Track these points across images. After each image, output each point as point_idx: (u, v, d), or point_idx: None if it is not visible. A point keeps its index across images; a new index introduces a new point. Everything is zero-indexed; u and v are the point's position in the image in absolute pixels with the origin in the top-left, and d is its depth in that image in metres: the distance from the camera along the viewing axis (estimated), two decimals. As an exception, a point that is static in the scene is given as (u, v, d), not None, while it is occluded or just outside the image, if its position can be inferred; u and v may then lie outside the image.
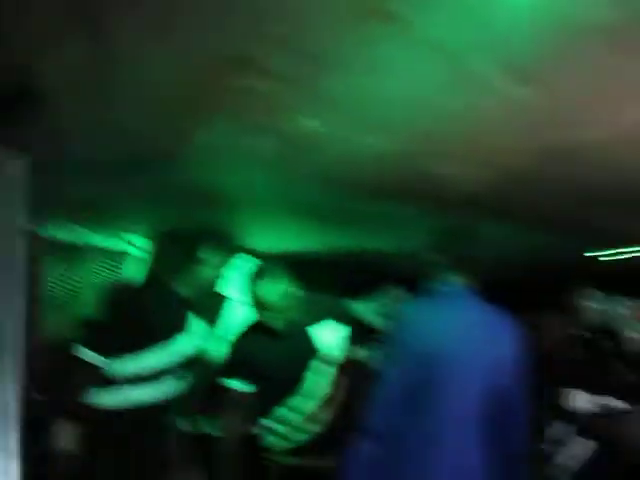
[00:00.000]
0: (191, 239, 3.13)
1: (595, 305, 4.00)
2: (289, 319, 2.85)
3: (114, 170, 3.44)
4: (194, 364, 2.99)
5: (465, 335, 2.25)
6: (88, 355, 2.66)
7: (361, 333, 4.91)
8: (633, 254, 4.26)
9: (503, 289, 5.47)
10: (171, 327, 2.86)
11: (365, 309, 5.67)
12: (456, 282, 2.36)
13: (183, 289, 2.94)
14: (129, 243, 5.23)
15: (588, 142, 2.57)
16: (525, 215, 3.65)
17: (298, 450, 2.95)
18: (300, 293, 3.05)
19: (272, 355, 2.88)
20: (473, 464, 2.20)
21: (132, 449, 2.73)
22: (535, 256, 4.58)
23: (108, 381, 2.71)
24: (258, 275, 2.88)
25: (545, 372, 3.36)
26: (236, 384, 2.94)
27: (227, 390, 2.95)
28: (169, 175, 3.35)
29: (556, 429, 3.15)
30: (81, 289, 5.10)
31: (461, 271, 2.38)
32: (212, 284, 3.06)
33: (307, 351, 2.95)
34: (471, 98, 2.21)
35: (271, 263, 3.04)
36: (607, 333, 3.95)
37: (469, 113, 2.33)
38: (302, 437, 2.96)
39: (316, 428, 2.93)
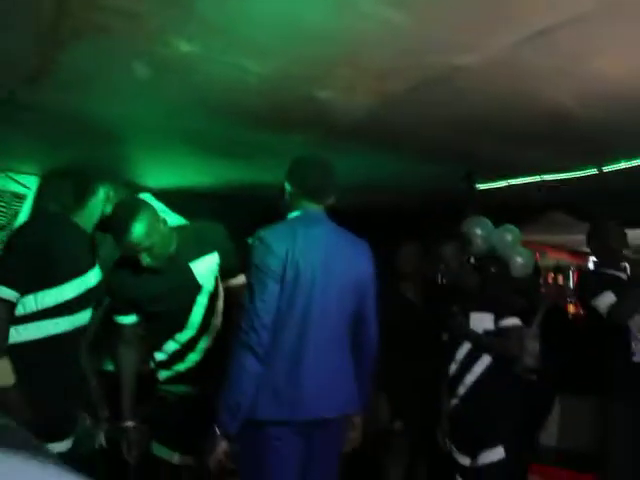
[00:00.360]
0: (82, 175, 3.11)
1: (481, 232, 4.17)
2: (162, 255, 2.79)
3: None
4: (96, 300, 3.01)
5: (326, 251, 2.44)
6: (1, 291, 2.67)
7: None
8: (511, 182, 4.45)
9: (398, 218, 5.62)
10: (83, 263, 2.89)
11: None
12: (313, 209, 2.51)
13: (85, 225, 2.93)
14: (19, 183, 5.04)
15: (461, 67, 2.63)
16: (408, 144, 3.74)
17: (188, 379, 2.99)
18: (179, 228, 3.00)
19: (151, 290, 2.85)
20: (339, 366, 2.47)
21: (48, 380, 2.76)
22: (424, 186, 4.70)
23: (23, 316, 2.73)
24: (120, 214, 2.77)
25: (449, 297, 3.51)
26: (124, 319, 2.93)
27: (118, 326, 2.93)
28: (43, 105, 3.25)
29: (463, 351, 3.33)
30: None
31: (316, 200, 2.51)
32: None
33: (192, 286, 2.92)
34: (344, 20, 2.22)
35: (135, 200, 2.97)
36: (493, 259, 4.13)
37: (344, 35, 2.34)
38: (193, 367, 2.99)
39: (201, 357, 2.98)
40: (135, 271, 2.79)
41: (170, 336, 2.90)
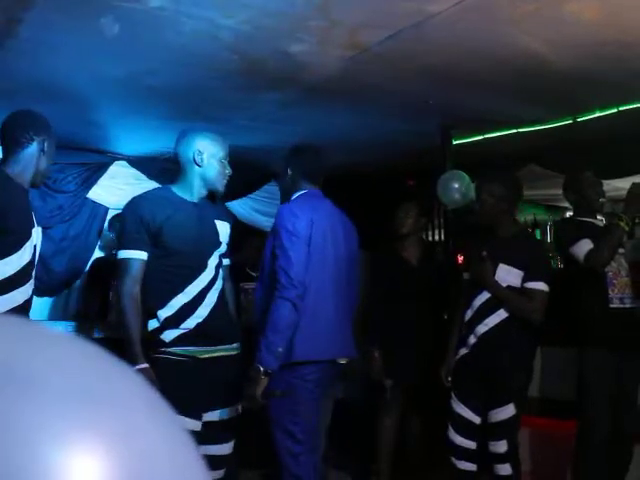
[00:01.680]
0: (15, 125, 2.71)
1: (458, 185, 4.19)
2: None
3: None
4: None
5: (332, 222, 3.02)
6: None
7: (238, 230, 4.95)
8: (487, 136, 4.45)
9: (375, 177, 5.62)
10: (30, 222, 2.69)
11: (241, 206, 5.70)
12: (313, 189, 3.03)
13: (20, 179, 2.67)
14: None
15: (434, 14, 2.61)
16: (383, 98, 3.72)
17: (198, 338, 2.96)
18: None
19: (183, 226, 2.81)
20: (347, 318, 3.07)
21: None
22: (402, 143, 4.68)
23: None
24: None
25: (480, 239, 3.38)
26: (139, 254, 2.73)
27: (128, 262, 2.72)
28: (10, 71, 3.19)
29: (481, 299, 3.21)
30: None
31: (315, 182, 3.04)
32: (43, 168, 2.76)
33: (214, 238, 2.92)
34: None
35: None
36: (472, 211, 4.12)
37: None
38: (201, 323, 2.96)
39: (209, 313, 2.95)
40: (172, 206, 2.80)
41: (182, 285, 2.83)
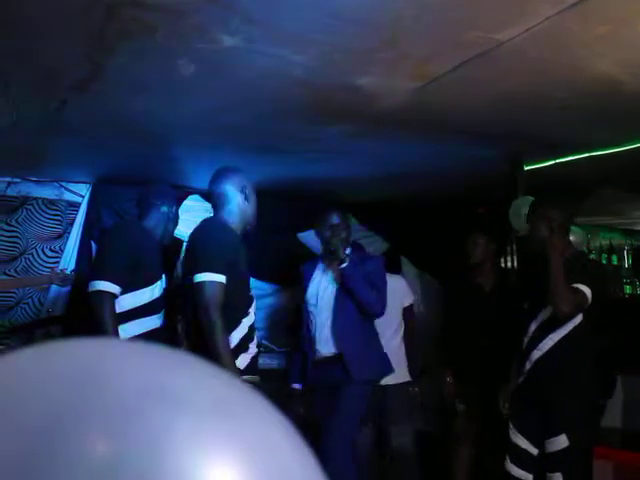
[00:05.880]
0: (146, 191, 3.47)
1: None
2: None
3: (36, 113, 3.41)
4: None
5: None
6: (109, 287, 2.92)
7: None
8: (558, 160, 4.37)
9: (447, 205, 5.59)
10: (160, 267, 3.25)
11: (311, 236, 5.72)
12: None
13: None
14: (73, 192, 5.16)
15: (504, 42, 2.61)
16: (452, 126, 3.71)
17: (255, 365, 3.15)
18: None
19: (243, 254, 3.22)
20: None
21: None
22: (470, 169, 4.65)
23: (124, 314, 3.00)
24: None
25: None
26: (222, 278, 2.99)
27: (215, 286, 2.95)
28: (93, 112, 3.35)
29: (535, 325, 3.20)
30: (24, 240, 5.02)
31: None
32: (171, 230, 3.43)
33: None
34: (380, 1, 2.23)
35: None
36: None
37: (382, 18, 2.35)
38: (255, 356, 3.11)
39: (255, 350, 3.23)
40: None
41: (244, 312, 3.08)
